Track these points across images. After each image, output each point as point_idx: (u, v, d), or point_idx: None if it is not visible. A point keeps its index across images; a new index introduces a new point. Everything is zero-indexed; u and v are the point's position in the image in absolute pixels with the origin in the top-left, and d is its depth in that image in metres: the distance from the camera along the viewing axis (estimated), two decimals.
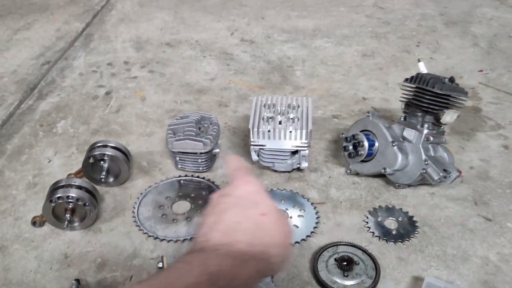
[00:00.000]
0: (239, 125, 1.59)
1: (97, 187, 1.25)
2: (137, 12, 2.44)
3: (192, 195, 1.30)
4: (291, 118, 1.30)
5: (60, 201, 1.13)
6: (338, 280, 1.03)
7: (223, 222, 0.67)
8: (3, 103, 1.68)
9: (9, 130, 1.57)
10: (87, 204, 1.15)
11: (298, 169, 1.34)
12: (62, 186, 1.15)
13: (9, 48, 2.06)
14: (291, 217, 1.21)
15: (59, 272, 1.08)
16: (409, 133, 1.25)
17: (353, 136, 1.30)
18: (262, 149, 1.30)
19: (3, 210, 1.25)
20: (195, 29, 2.29)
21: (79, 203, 1.14)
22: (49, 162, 1.43)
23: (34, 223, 1.19)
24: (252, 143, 1.29)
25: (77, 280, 1.02)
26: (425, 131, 1.22)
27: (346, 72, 1.92)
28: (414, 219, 1.21)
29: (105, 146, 1.29)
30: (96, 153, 1.27)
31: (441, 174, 1.18)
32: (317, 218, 1.21)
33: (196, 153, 1.32)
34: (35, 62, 1.96)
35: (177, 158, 1.35)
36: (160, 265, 1.01)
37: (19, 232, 1.19)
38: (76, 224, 1.18)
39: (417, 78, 1.23)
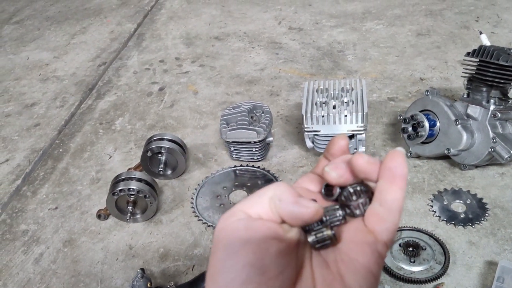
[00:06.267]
0: (292, 113, 1.57)
1: (156, 180, 1.28)
2: (185, 9, 2.48)
3: (248, 184, 1.29)
4: (345, 102, 1.27)
5: (122, 193, 1.17)
6: (405, 266, 0.99)
7: None
8: (65, 104, 1.76)
9: (71, 129, 1.64)
10: (147, 196, 1.17)
11: None
12: (123, 179, 1.19)
13: (68, 52, 2.15)
14: None
15: (125, 263, 1.12)
16: (473, 110, 1.17)
17: (412, 116, 1.24)
18: (317, 135, 1.27)
19: (70, 205, 1.31)
20: (242, 21, 2.28)
21: (140, 195, 1.17)
22: (110, 158, 1.47)
23: (99, 216, 1.23)
24: (305, 129, 1.27)
25: (142, 270, 1.04)
26: (492, 106, 1.14)
27: (401, 53, 1.84)
28: (484, 201, 1.14)
29: (162, 139, 1.32)
30: (153, 146, 1.30)
31: (511, 152, 1.11)
32: None
33: (250, 142, 1.31)
34: (92, 63, 2.03)
35: (232, 148, 1.35)
36: None
37: (85, 225, 1.24)
38: (138, 216, 1.21)
39: (480, 51, 1.16)
